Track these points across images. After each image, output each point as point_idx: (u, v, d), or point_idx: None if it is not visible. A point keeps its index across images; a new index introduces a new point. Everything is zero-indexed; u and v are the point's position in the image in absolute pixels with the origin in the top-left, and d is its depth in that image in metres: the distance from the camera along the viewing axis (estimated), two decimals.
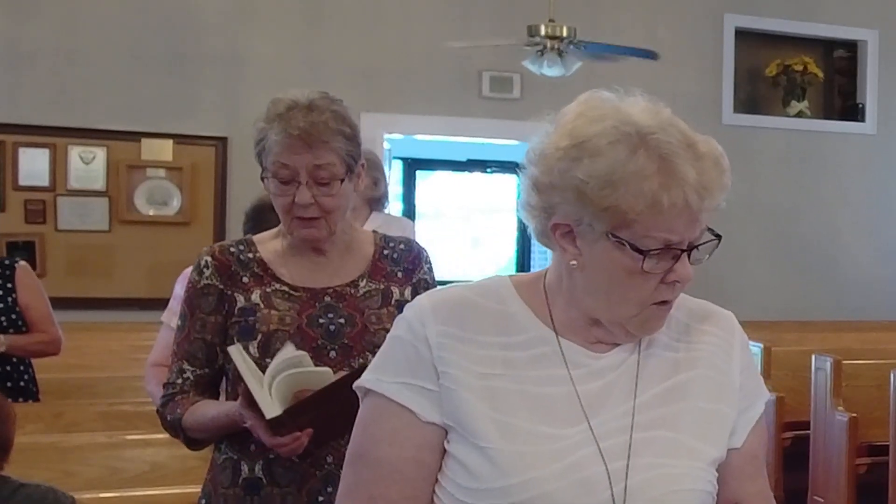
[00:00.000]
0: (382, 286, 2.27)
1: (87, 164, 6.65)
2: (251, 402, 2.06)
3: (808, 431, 5.56)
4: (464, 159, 8.87)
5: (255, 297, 2.20)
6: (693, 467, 1.49)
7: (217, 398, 2.29)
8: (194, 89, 6.84)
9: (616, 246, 1.43)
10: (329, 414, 2.05)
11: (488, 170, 9.04)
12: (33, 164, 6.54)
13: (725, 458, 1.55)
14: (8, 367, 4.06)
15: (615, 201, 1.40)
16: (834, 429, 5.32)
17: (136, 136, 6.70)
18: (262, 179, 2.23)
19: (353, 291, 2.24)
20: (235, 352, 2.12)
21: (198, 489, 2.33)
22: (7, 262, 4.13)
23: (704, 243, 1.47)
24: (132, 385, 4.44)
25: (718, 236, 1.48)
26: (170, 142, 6.76)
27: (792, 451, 5.72)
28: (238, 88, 6.91)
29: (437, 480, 1.49)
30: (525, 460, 1.43)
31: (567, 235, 1.47)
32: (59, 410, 3.81)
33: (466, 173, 9.05)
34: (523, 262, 8.91)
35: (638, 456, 1.46)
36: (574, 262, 1.48)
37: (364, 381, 1.53)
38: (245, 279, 2.22)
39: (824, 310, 7.99)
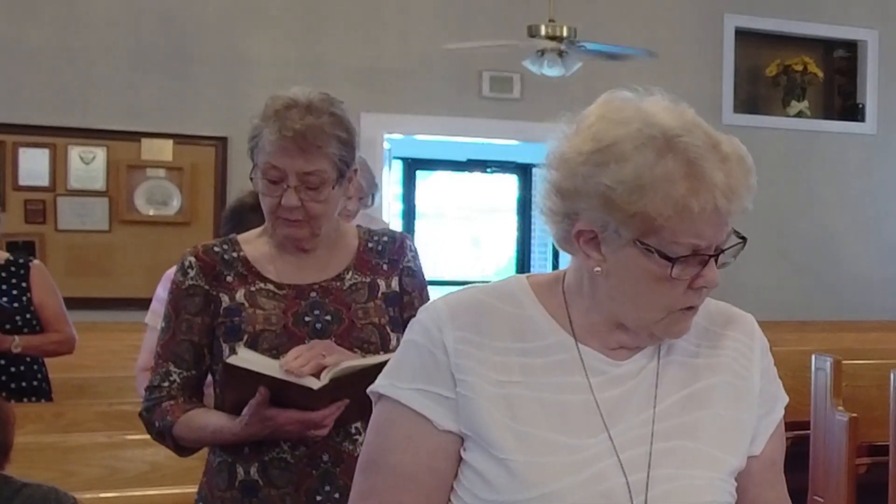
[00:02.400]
0: (368, 279, 2.24)
1: (87, 164, 6.65)
2: (275, 401, 2.03)
3: (808, 431, 5.56)
4: (464, 159, 8.86)
5: (240, 296, 2.18)
6: (714, 478, 1.47)
7: (202, 400, 2.26)
8: (194, 89, 6.83)
9: (643, 253, 1.40)
10: (356, 395, 2.04)
11: (488, 170, 9.03)
12: (33, 164, 6.54)
13: (745, 465, 1.53)
14: (22, 367, 4.06)
15: (643, 207, 1.37)
16: (834, 429, 5.32)
17: (136, 136, 6.69)
18: (251, 178, 2.21)
19: (338, 285, 2.22)
20: (239, 360, 2.07)
21: (197, 489, 2.33)
22: (21, 260, 4.13)
23: (731, 247, 1.45)
24: (132, 385, 4.42)
25: (744, 238, 1.46)
26: (170, 142, 6.75)
27: (792, 451, 5.65)
28: (238, 88, 6.90)
29: (451, 489, 1.47)
30: (544, 472, 1.40)
31: (591, 242, 1.44)
32: (59, 410, 3.81)
33: (466, 173, 9.04)
34: (523, 262, 8.90)
35: (658, 467, 1.44)
36: (598, 268, 1.44)
37: (378, 386, 1.50)
38: (229, 279, 2.19)
39: (824, 310, 7.99)
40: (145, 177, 6.74)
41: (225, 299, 2.18)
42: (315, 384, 2.01)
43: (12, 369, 4.01)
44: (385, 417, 1.49)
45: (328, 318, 2.19)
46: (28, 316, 4.01)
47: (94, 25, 6.64)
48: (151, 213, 6.75)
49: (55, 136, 6.56)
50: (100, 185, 6.67)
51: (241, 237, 2.28)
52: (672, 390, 1.49)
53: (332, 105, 2.18)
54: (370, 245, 2.29)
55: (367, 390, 1.53)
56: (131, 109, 6.68)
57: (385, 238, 2.32)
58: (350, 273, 2.24)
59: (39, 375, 4.14)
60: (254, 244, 2.26)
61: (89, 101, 6.63)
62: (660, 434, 1.46)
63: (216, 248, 2.23)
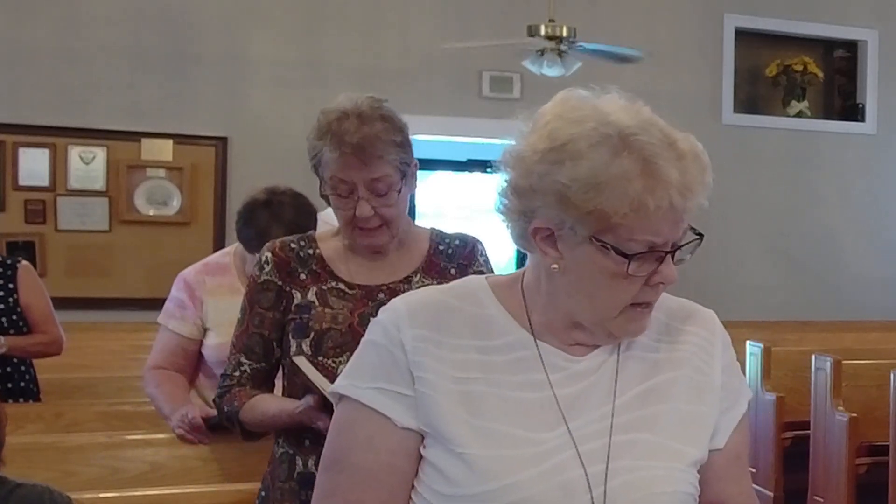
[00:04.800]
0: (436, 282, 2.27)
1: (87, 164, 6.65)
2: (324, 407, 2.07)
3: (808, 431, 5.55)
4: (464, 159, 8.85)
5: (311, 294, 2.23)
6: (673, 469, 1.47)
7: (272, 390, 2.32)
8: (194, 89, 6.84)
9: (600, 250, 1.41)
10: None
11: (488, 170, 8.92)
12: (33, 164, 6.54)
13: (708, 459, 1.53)
14: (9, 368, 4.05)
15: (599, 204, 1.38)
16: (834, 429, 5.32)
17: (136, 136, 6.70)
18: (322, 195, 2.24)
19: (406, 287, 2.26)
20: (303, 362, 2.15)
21: (198, 489, 2.35)
22: (9, 261, 4.12)
23: (687, 243, 1.45)
24: (132, 385, 4.43)
25: (700, 235, 1.46)
26: (170, 142, 6.76)
27: (792, 451, 5.72)
28: (238, 88, 6.91)
29: (413, 486, 1.48)
30: (503, 465, 1.41)
31: (548, 239, 1.45)
32: (59, 410, 3.79)
33: (466, 173, 9.04)
34: (523, 261, 8.85)
35: (617, 459, 1.44)
36: (555, 266, 1.45)
37: (338, 386, 1.51)
38: (303, 276, 2.24)
39: (824, 310, 7.99)
40: (145, 177, 6.75)
41: (297, 296, 2.23)
42: None
43: None
44: (346, 418, 1.50)
45: None
46: (14, 317, 4.00)
47: (94, 25, 6.64)
48: (151, 213, 6.76)
49: (55, 136, 6.57)
50: (100, 185, 6.67)
51: (318, 235, 2.34)
52: (631, 384, 1.50)
53: (381, 109, 2.21)
54: (440, 248, 2.34)
55: (328, 391, 1.55)
56: (131, 109, 6.69)
57: (456, 242, 2.36)
58: (418, 276, 2.29)
59: (28, 377, 4.13)
60: (329, 243, 2.31)
61: (89, 101, 6.63)
62: (619, 427, 1.46)
63: (293, 245, 2.28)
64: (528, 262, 1.55)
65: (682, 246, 1.45)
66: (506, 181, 1.47)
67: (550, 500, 1.40)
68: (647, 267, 1.42)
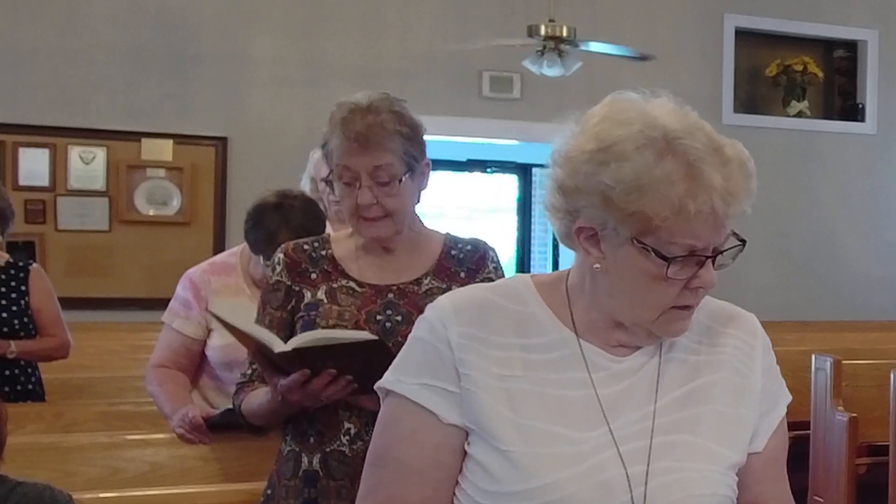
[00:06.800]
0: (445, 285, 2.29)
1: (87, 164, 6.65)
2: (267, 361, 2.10)
3: (808, 431, 5.55)
4: (464, 159, 8.85)
5: (321, 293, 2.26)
6: (712, 471, 1.48)
7: None
8: (194, 89, 6.84)
9: (641, 252, 1.42)
10: (355, 372, 2.06)
11: (488, 170, 9.02)
12: (33, 164, 6.54)
13: (747, 462, 1.54)
14: (16, 370, 4.06)
15: (641, 207, 1.39)
16: (834, 429, 5.31)
17: (136, 136, 6.70)
18: (330, 183, 2.29)
19: (415, 289, 2.29)
20: (221, 309, 2.17)
21: (197, 489, 2.36)
22: (21, 264, 4.11)
23: (729, 249, 1.47)
24: (132, 385, 4.43)
25: (743, 241, 1.47)
26: (170, 142, 6.76)
27: (792, 451, 5.62)
28: (238, 88, 6.91)
29: (457, 482, 1.49)
30: (545, 463, 1.43)
31: (591, 239, 1.46)
32: (59, 410, 3.80)
33: (466, 173, 9.04)
34: (523, 261, 8.90)
35: (658, 460, 1.46)
36: (598, 265, 1.47)
37: (385, 381, 1.53)
38: (314, 275, 2.28)
39: (824, 310, 7.99)
40: (145, 177, 6.75)
41: (307, 295, 2.26)
42: (278, 347, 2.06)
43: (6, 372, 4.02)
44: (391, 412, 1.52)
45: (399, 318, 2.26)
46: (25, 320, 4.01)
47: (94, 25, 6.64)
48: (151, 213, 6.76)
49: (55, 136, 6.57)
50: (100, 185, 6.67)
51: (333, 236, 2.38)
52: (673, 386, 1.51)
53: (392, 104, 2.26)
54: (452, 252, 2.36)
55: (375, 386, 1.57)
56: (131, 109, 6.69)
57: (468, 247, 2.38)
58: (428, 278, 2.32)
59: (33, 379, 4.14)
60: (342, 243, 2.34)
61: (89, 101, 6.63)
62: (660, 429, 1.48)
63: (305, 246, 2.32)
64: (573, 263, 1.56)
65: (724, 251, 1.46)
66: (553, 180, 1.48)
67: (591, 499, 1.42)
68: (687, 271, 1.44)
